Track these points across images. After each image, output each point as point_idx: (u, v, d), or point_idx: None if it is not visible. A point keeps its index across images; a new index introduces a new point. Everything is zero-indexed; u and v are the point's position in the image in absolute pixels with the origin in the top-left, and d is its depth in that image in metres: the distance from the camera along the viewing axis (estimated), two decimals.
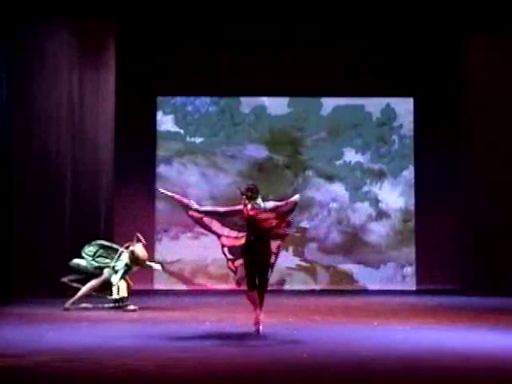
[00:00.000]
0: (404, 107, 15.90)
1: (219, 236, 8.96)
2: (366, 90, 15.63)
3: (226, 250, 8.89)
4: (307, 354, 6.79)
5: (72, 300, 11.05)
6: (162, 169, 15.81)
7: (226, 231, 8.91)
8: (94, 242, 11.59)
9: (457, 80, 15.30)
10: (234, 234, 8.89)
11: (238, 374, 6.01)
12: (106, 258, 11.37)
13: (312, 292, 14.97)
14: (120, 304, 11.06)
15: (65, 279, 11.45)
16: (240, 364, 6.38)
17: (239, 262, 8.76)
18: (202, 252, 15.59)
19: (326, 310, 11.27)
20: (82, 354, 6.76)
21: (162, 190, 9.87)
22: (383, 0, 14.86)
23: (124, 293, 11.10)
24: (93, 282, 11.20)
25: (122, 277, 11.15)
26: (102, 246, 11.52)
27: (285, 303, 10.39)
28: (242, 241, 8.72)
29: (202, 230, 15.34)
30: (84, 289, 11.17)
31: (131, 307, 11.01)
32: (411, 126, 15.89)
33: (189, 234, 15.67)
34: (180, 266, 15.46)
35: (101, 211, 14.50)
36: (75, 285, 11.35)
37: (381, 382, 5.79)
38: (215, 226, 8.94)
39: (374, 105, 15.94)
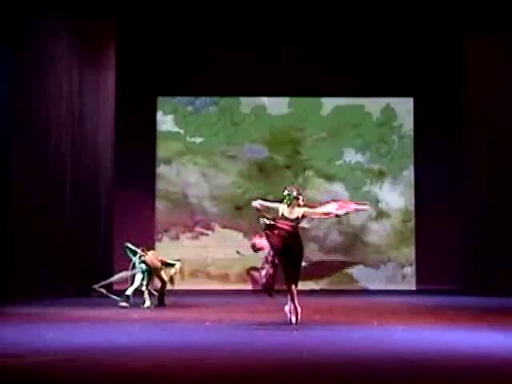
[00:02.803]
0: (404, 107, 15.91)
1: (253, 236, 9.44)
2: (366, 90, 15.64)
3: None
4: (307, 353, 6.79)
5: (102, 283, 12.07)
6: (161, 169, 15.81)
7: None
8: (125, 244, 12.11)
9: (457, 80, 15.31)
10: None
11: (238, 373, 6.01)
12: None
13: (312, 292, 14.96)
14: (121, 299, 11.47)
15: (96, 286, 12.16)
16: (240, 364, 6.38)
17: (265, 271, 9.20)
18: (202, 252, 15.61)
19: (326, 309, 11.26)
20: (82, 354, 6.76)
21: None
22: (383, 0, 14.86)
23: (129, 292, 11.53)
24: (123, 274, 12.03)
25: (147, 282, 11.64)
26: (129, 249, 11.91)
27: (285, 303, 10.37)
28: (270, 240, 9.10)
29: (202, 230, 15.67)
30: (115, 277, 12.28)
31: (123, 304, 11.34)
32: (411, 125, 15.90)
33: (189, 234, 15.68)
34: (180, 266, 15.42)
35: (101, 211, 14.51)
36: (103, 290, 12.09)
37: (381, 381, 5.79)
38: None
39: (373, 105, 15.95)
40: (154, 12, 14.96)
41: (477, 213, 14.72)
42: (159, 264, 11.80)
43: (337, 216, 9.57)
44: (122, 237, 14.65)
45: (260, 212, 9.31)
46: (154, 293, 11.82)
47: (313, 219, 9.48)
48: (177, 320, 9.80)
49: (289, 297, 9.12)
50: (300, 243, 9.28)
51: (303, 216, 9.25)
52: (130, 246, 11.86)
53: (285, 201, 9.23)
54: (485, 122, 14.72)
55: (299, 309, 9.12)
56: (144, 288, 11.54)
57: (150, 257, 11.73)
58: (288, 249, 9.18)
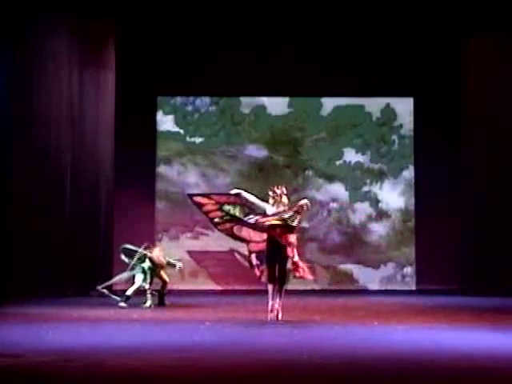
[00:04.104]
0: (404, 107, 15.91)
1: (248, 242, 9.82)
2: (366, 90, 15.64)
3: (253, 256, 9.74)
4: (307, 354, 6.79)
5: (104, 284, 12.16)
6: (161, 169, 15.81)
7: (254, 237, 9.74)
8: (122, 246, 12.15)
9: (457, 80, 15.31)
10: (261, 237, 9.69)
11: (238, 374, 6.01)
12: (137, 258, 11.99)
13: (312, 292, 14.97)
14: (121, 299, 11.56)
15: (99, 287, 12.19)
16: (240, 364, 6.38)
17: (264, 267, 9.68)
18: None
19: (326, 309, 11.26)
20: (82, 353, 6.76)
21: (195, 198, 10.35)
22: (383, 0, 14.86)
23: (129, 292, 11.60)
24: (124, 274, 12.04)
25: (151, 280, 11.69)
26: (127, 250, 11.98)
27: (285, 303, 10.39)
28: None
29: (202, 230, 15.65)
30: (116, 277, 12.36)
31: (122, 304, 11.42)
32: (411, 125, 15.90)
33: (189, 234, 15.67)
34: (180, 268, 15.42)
35: (101, 211, 14.51)
36: (105, 291, 12.15)
37: (381, 381, 5.79)
38: (244, 233, 9.78)
39: (374, 105, 15.95)
40: (154, 12, 14.95)
41: (477, 213, 14.72)
42: (164, 261, 11.84)
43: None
44: (122, 237, 14.67)
45: (237, 200, 9.63)
46: (154, 293, 11.83)
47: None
48: (177, 320, 9.80)
49: (276, 296, 9.53)
50: (286, 246, 9.51)
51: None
52: (129, 246, 11.87)
53: (270, 201, 9.56)
54: (485, 122, 14.72)
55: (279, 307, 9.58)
56: (147, 287, 11.58)
57: (157, 253, 11.77)
58: (275, 249, 9.42)
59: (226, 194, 10.27)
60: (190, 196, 10.55)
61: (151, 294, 11.57)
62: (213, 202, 9.91)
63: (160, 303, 11.71)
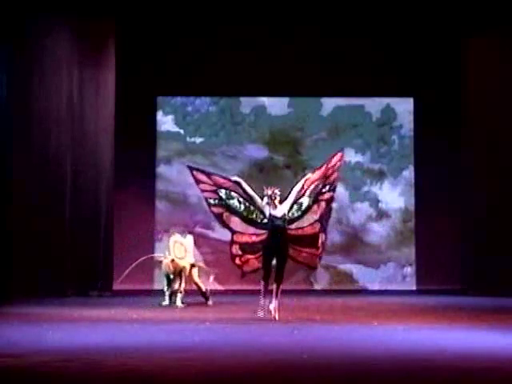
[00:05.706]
0: (404, 107, 15.91)
1: (234, 232, 9.93)
2: (366, 90, 15.64)
3: (236, 246, 9.89)
4: (307, 354, 6.78)
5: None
6: (162, 169, 15.80)
7: (242, 228, 9.88)
8: None
9: (457, 80, 15.31)
10: (250, 231, 9.88)
11: (238, 373, 6.01)
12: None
13: (312, 292, 14.96)
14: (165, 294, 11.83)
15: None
16: (240, 364, 6.37)
17: (246, 257, 9.85)
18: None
19: (326, 309, 11.26)
20: (82, 353, 6.75)
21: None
22: (383, 0, 14.87)
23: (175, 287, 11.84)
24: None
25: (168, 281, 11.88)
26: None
27: (285, 303, 10.40)
28: (257, 238, 9.79)
29: (203, 230, 15.63)
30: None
31: (164, 302, 11.71)
32: (411, 125, 15.89)
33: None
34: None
35: (101, 211, 14.50)
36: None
37: (381, 382, 5.79)
38: (233, 222, 9.91)
39: (374, 105, 15.95)
40: (154, 12, 14.96)
41: (477, 213, 14.72)
42: (172, 269, 11.82)
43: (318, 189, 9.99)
44: (122, 237, 14.71)
45: (236, 186, 9.83)
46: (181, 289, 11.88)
47: (303, 211, 9.88)
48: (177, 320, 9.81)
49: (273, 295, 9.61)
50: (286, 244, 9.68)
51: (289, 210, 9.75)
52: (171, 243, 11.94)
53: (265, 200, 9.69)
54: (485, 122, 14.72)
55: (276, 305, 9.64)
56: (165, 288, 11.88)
57: (167, 263, 11.78)
58: (274, 250, 9.57)
59: (225, 177, 10.26)
60: (191, 169, 10.42)
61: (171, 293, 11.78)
62: (211, 182, 10.03)
63: (170, 302, 11.79)
